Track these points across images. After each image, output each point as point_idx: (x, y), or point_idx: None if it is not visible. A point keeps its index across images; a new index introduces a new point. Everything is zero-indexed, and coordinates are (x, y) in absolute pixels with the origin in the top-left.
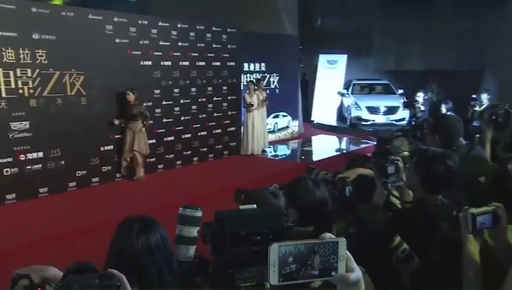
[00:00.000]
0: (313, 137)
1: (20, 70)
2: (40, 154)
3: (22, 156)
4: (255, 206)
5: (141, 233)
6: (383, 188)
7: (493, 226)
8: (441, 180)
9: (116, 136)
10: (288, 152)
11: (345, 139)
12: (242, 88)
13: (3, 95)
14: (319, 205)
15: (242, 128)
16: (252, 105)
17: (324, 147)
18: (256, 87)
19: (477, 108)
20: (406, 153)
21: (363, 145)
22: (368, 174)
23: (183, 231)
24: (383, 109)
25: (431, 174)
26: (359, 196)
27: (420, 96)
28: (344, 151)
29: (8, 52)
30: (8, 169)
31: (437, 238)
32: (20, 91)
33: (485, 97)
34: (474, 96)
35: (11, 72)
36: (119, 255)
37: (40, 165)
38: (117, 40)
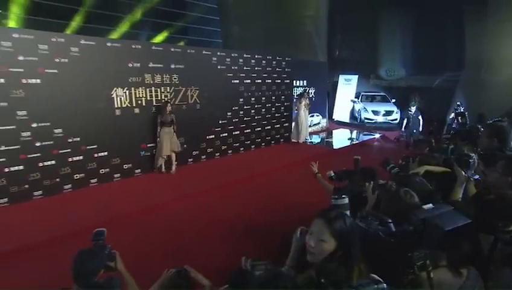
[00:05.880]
0: (334, 130)
1: (163, 88)
2: None
3: None
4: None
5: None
6: (464, 178)
7: None
8: None
9: (215, 129)
10: (319, 140)
11: (355, 131)
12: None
13: (154, 103)
14: (431, 194)
15: (293, 123)
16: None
17: (342, 137)
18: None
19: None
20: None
21: (369, 137)
22: (433, 170)
23: None
24: (382, 112)
25: None
26: (437, 187)
27: (414, 107)
28: (355, 140)
29: (157, 77)
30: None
31: None
32: (163, 101)
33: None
34: (458, 103)
35: (159, 89)
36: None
37: None
38: (219, 67)
